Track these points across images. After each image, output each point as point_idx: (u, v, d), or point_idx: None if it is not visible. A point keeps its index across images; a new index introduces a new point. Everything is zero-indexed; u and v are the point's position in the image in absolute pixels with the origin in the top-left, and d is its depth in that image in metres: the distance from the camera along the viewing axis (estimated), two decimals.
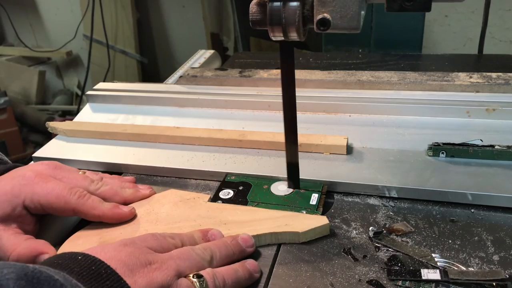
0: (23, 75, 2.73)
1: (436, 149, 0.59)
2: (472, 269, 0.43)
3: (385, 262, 0.45)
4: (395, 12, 0.40)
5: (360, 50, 1.27)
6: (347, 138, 0.63)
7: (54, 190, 0.49)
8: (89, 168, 0.65)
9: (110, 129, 0.72)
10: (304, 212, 0.52)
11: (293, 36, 0.44)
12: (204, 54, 1.07)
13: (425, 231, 0.49)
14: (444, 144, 0.59)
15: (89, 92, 0.83)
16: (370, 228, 0.49)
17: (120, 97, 0.81)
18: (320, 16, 0.42)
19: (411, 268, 0.44)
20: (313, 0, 0.42)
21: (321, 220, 0.49)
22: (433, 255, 0.45)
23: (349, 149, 0.63)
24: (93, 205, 0.50)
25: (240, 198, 0.55)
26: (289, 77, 0.49)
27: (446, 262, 0.44)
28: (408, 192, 0.54)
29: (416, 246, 0.47)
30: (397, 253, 0.46)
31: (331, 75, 0.79)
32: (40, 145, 2.03)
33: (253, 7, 0.45)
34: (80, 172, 0.55)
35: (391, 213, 0.52)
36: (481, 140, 0.59)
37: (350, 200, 0.55)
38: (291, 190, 0.56)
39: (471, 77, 0.74)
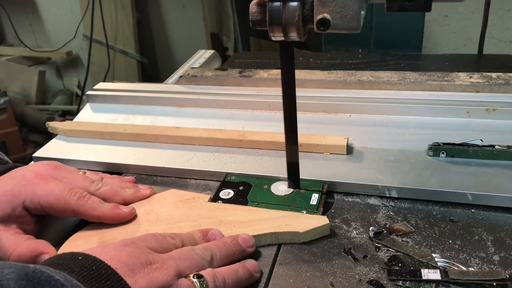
0: (23, 75, 2.73)
1: (436, 149, 0.59)
2: (473, 269, 0.43)
3: (385, 262, 0.45)
4: (395, 12, 0.40)
5: (360, 50, 1.27)
6: (347, 138, 0.63)
7: (54, 191, 0.49)
8: (89, 168, 0.65)
9: (110, 129, 0.72)
10: (304, 212, 0.52)
11: (293, 36, 0.44)
12: (204, 54, 1.07)
13: (425, 231, 0.49)
14: (444, 144, 0.59)
15: (89, 92, 0.83)
16: (371, 228, 0.49)
17: (120, 97, 0.81)
18: (320, 16, 0.42)
19: (412, 268, 0.44)
20: (313, 0, 0.42)
21: (321, 220, 0.49)
22: (434, 255, 0.45)
23: (349, 149, 0.63)
24: (93, 205, 0.50)
25: (240, 198, 0.55)
26: (289, 77, 0.49)
27: (447, 262, 0.44)
28: (408, 192, 0.54)
29: (417, 246, 0.47)
30: (398, 253, 0.46)
31: (331, 75, 0.79)
32: (40, 145, 2.03)
33: (253, 7, 0.45)
34: (80, 172, 0.55)
35: (391, 213, 0.52)
36: (481, 140, 0.59)
37: (350, 200, 0.55)
38: (291, 190, 0.56)
39: (471, 77, 0.74)
